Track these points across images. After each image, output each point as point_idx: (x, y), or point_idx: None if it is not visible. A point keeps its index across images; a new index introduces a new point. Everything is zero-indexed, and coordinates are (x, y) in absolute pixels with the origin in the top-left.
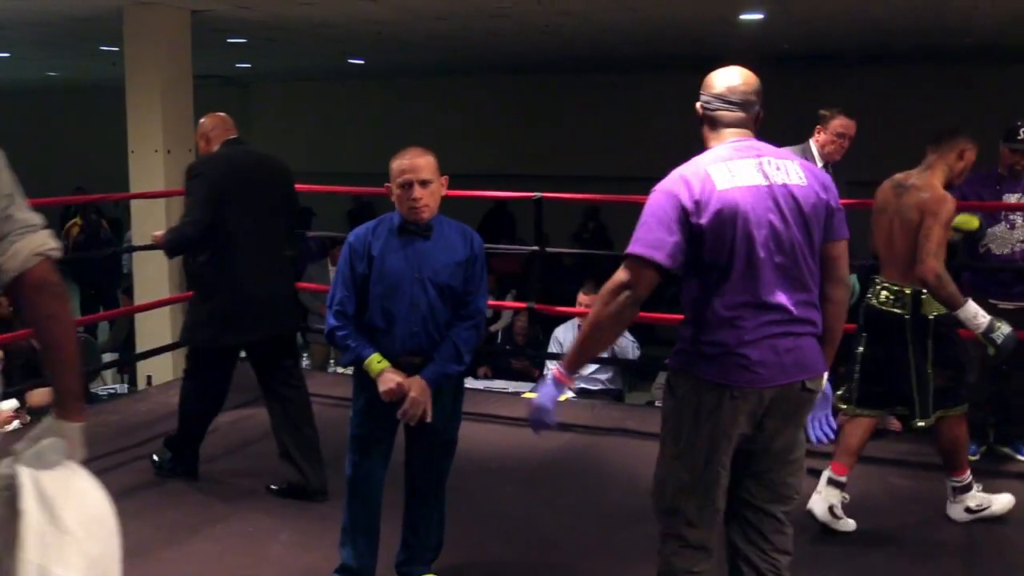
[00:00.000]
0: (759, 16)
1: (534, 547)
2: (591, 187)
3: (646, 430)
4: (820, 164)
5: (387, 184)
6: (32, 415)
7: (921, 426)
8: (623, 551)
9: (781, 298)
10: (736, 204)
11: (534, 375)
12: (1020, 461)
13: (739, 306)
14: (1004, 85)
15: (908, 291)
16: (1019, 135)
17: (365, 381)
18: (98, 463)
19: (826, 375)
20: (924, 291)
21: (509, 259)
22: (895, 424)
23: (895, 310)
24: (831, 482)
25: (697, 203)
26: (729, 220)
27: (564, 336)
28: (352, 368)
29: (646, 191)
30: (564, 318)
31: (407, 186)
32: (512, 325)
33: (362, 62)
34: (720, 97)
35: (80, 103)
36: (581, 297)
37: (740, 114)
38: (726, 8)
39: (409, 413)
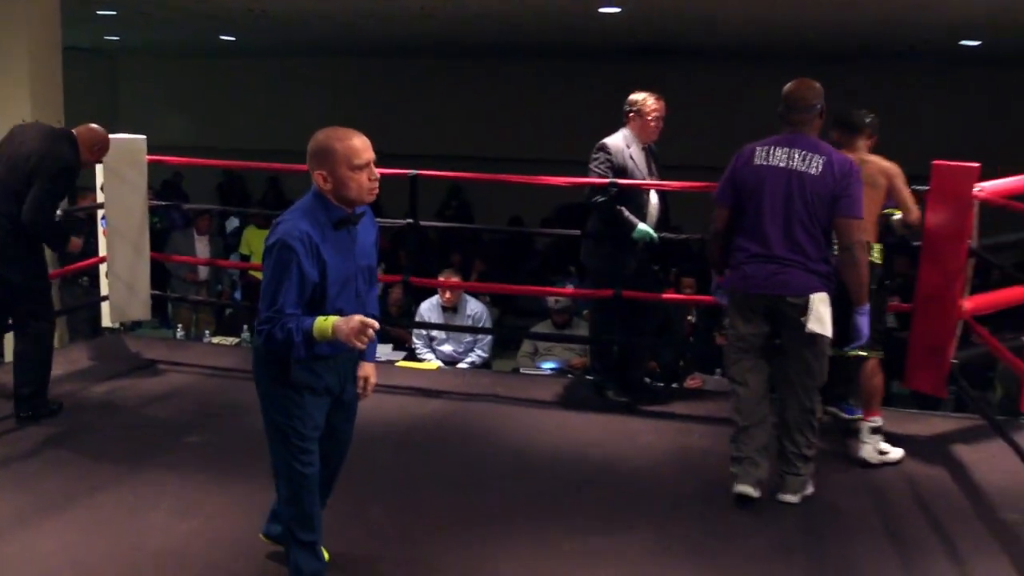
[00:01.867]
0: (617, 10)
1: (403, 508)
2: (454, 166)
3: (512, 395)
4: (639, 147)
5: (318, 171)
6: None
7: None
8: (485, 508)
9: (775, 240)
10: (759, 176)
11: (407, 343)
12: (847, 419)
13: (746, 241)
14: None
15: (878, 246)
16: None
17: (303, 377)
18: None
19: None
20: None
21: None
22: None
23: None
24: (872, 430)
25: (735, 169)
26: (752, 185)
27: (427, 314)
28: (265, 364)
29: (509, 170)
30: (432, 291)
31: (365, 167)
32: (386, 296)
33: (234, 39)
34: (782, 101)
35: None
36: (445, 277)
37: (791, 116)
38: (588, 2)
39: (369, 395)
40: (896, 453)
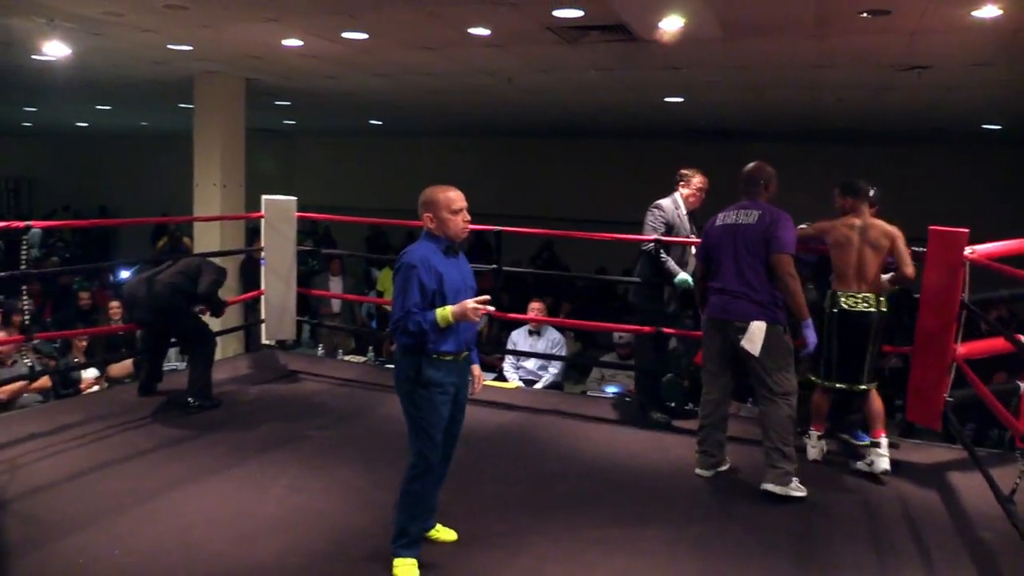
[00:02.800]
0: (680, 99)
1: (469, 494)
2: (549, 224)
3: (573, 411)
4: (684, 211)
5: (426, 214)
6: (110, 383)
7: (863, 389)
8: (529, 499)
9: (729, 279)
10: (714, 233)
11: (497, 367)
12: (857, 444)
13: (712, 281)
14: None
15: (875, 296)
16: None
17: (434, 375)
18: (160, 416)
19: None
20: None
21: (484, 277)
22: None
23: (870, 310)
24: (874, 444)
25: (706, 231)
26: (714, 241)
27: (517, 338)
28: (404, 369)
29: (595, 230)
30: (519, 323)
31: (460, 211)
32: (483, 329)
33: (381, 123)
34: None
35: (165, 147)
36: (531, 304)
37: (745, 188)
38: (657, 94)
39: (478, 390)
40: (882, 463)
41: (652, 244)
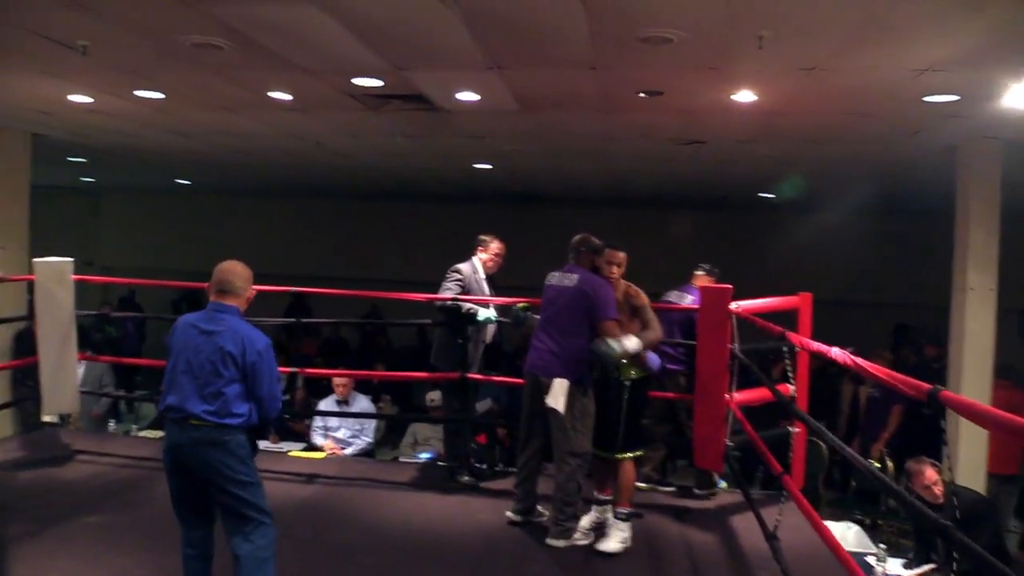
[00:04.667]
0: (489, 166)
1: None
2: (371, 286)
3: (381, 479)
4: (483, 275)
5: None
6: None
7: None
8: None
9: (544, 336)
10: (545, 293)
11: (307, 436)
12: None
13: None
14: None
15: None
16: None
17: None
18: None
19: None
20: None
21: (306, 342)
22: None
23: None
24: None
25: (544, 288)
26: (545, 298)
27: (325, 406)
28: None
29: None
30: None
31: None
32: (293, 397)
33: (188, 182)
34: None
35: None
36: (336, 380)
37: (571, 254)
38: (465, 160)
39: None
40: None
41: (449, 301)
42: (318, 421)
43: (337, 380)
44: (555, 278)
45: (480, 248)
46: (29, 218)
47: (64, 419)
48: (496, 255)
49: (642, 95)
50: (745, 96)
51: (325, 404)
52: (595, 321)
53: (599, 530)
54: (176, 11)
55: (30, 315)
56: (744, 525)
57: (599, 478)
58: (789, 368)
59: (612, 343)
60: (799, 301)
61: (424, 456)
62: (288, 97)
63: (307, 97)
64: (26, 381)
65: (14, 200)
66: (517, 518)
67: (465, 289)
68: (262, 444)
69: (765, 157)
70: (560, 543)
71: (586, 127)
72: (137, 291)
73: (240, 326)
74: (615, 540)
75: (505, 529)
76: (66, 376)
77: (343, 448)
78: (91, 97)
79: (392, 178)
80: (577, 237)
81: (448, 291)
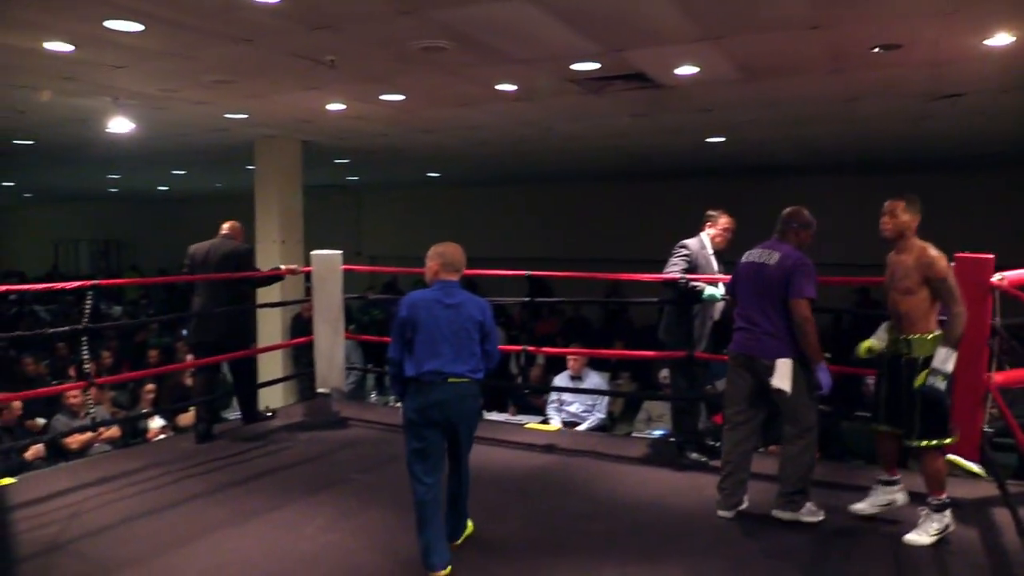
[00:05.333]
0: (721, 139)
1: (494, 534)
2: (610, 268)
3: (611, 453)
4: (711, 251)
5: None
6: (176, 432)
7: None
8: (554, 539)
9: (753, 316)
10: (741, 270)
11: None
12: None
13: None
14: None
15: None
16: None
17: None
18: (217, 464)
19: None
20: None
21: (547, 322)
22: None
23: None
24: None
25: (736, 267)
26: (739, 278)
27: (559, 382)
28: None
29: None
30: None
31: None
32: (528, 374)
33: (438, 175)
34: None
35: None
36: (570, 351)
37: (778, 228)
38: (696, 135)
39: None
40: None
41: (678, 277)
42: (553, 396)
43: (570, 356)
44: (755, 255)
45: (708, 224)
46: (303, 215)
47: (334, 391)
48: (725, 230)
49: (877, 50)
50: (1001, 39)
51: (559, 380)
52: (789, 298)
53: (884, 513)
54: (401, 20)
55: (307, 300)
56: (998, 520)
57: (885, 458)
58: None
59: (939, 381)
60: None
61: (657, 433)
62: (513, 88)
63: (530, 86)
64: (301, 359)
65: (290, 200)
66: (728, 514)
67: (692, 265)
68: (501, 416)
69: None
70: (786, 515)
71: (820, 90)
72: (399, 277)
73: (473, 297)
74: (926, 532)
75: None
76: (336, 355)
77: (577, 423)
78: (344, 104)
79: (625, 158)
80: (788, 210)
81: (674, 267)
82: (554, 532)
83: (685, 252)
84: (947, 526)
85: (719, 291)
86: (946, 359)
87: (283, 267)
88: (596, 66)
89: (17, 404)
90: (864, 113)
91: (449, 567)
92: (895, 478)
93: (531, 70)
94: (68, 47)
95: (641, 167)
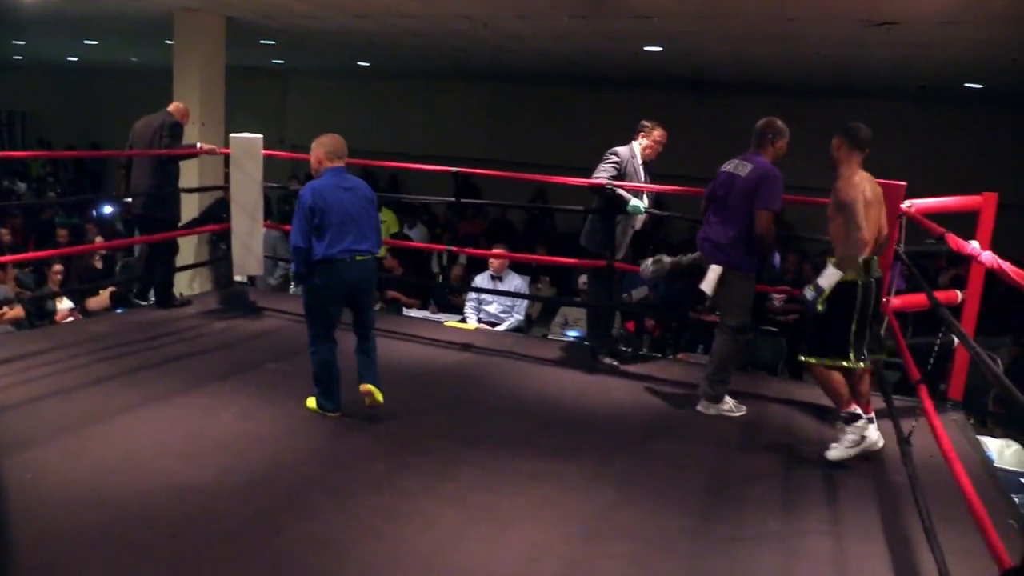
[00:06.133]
0: (658, 48)
1: (406, 426)
2: (538, 172)
3: (526, 353)
4: (640, 160)
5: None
6: (85, 316)
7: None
8: (466, 433)
9: (707, 224)
10: (718, 179)
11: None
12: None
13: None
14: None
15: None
16: None
17: None
18: (129, 348)
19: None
20: None
21: (471, 222)
22: None
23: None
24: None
25: (714, 177)
26: (715, 184)
27: (479, 282)
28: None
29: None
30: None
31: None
32: (449, 272)
33: (368, 64)
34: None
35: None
36: (494, 249)
37: (753, 141)
38: (634, 42)
39: None
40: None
41: (604, 182)
42: (472, 296)
43: (495, 251)
44: (731, 165)
45: (642, 134)
46: (226, 97)
47: (251, 280)
48: (656, 142)
49: None
50: None
51: (480, 279)
52: (754, 208)
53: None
54: None
55: (225, 186)
56: (882, 430)
57: (838, 391)
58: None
59: (809, 291)
60: (982, 201)
61: (572, 335)
62: None
63: None
64: (220, 244)
65: (212, 80)
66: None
67: (621, 173)
68: (421, 313)
69: (971, 41)
70: (710, 410)
71: (761, 7)
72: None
73: (360, 181)
74: (841, 446)
75: (636, 408)
76: (254, 242)
77: (495, 324)
78: None
79: (562, 61)
80: (761, 121)
81: (603, 173)
82: (467, 426)
83: (615, 159)
84: (862, 437)
85: (643, 204)
86: (826, 275)
87: (201, 145)
88: None
89: None
90: (802, 33)
91: (339, 411)
92: (869, 415)
93: None
94: None
95: (577, 72)
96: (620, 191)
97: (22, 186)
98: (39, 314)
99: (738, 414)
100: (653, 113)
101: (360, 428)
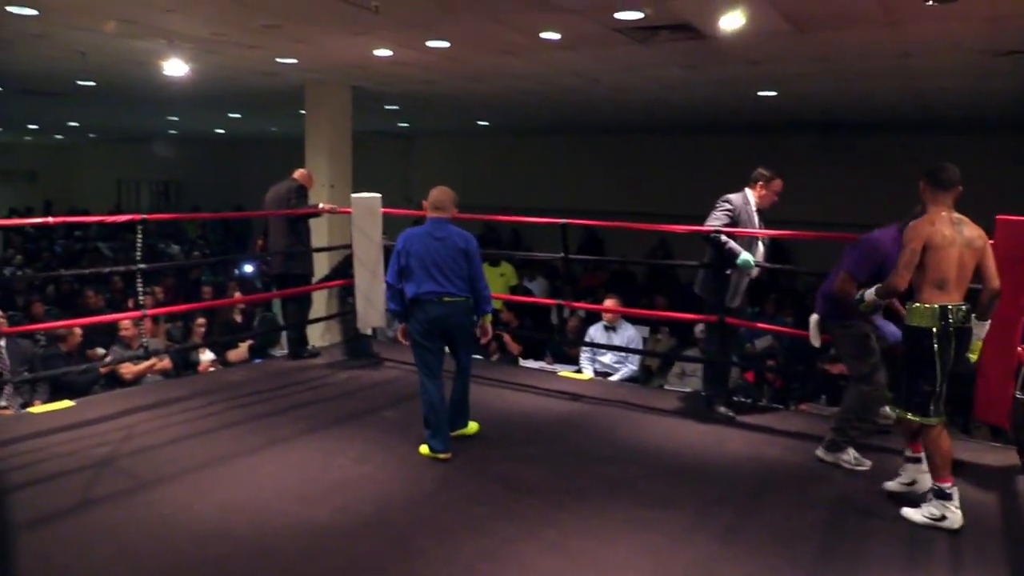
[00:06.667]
0: (772, 93)
1: (513, 474)
2: (662, 220)
3: (639, 403)
4: (754, 208)
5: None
6: (224, 366)
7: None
8: (573, 481)
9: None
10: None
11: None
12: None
13: None
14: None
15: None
16: None
17: None
18: (260, 396)
19: None
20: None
21: (593, 274)
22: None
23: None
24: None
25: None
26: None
27: (593, 333)
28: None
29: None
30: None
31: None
32: (565, 325)
33: (487, 123)
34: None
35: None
36: (606, 301)
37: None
38: (747, 87)
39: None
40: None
41: (712, 229)
42: (587, 347)
43: (607, 302)
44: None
45: (760, 184)
46: (354, 160)
47: (375, 332)
48: (775, 192)
49: (931, 3)
50: None
51: (594, 330)
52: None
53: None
54: None
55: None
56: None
57: (942, 457)
58: None
59: (865, 292)
60: None
61: (687, 388)
62: (557, 36)
63: (575, 35)
64: (348, 299)
65: (340, 144)
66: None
67: (734, 221)
68: (537, 364)
69: None
70: (827, 457)
71: (873, 45)
72: None
73: (459, 231)
74: (920, 512)
75: (749, 459)
76: (375, 296)
77: (609, 374)
78: (390, 50)
79: (674, 111)
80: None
81: (715, 221)
82: (572, 474)
83: (728, 207)
84: (943, 516)
85: (754, 257)
86: (871, 290)
87: (322, 205)
88: (640, 15)
89: (78, 331)
90: (919, 69)
91: (450, 453)
92: (918, 455)
93: (576, 18)
94: None
95: (691, 120)
96: (730, 244)
97: (175, 248)
98: (184, 365)
99: (859, 468)
100: (772, 157)
101: (468, 473)
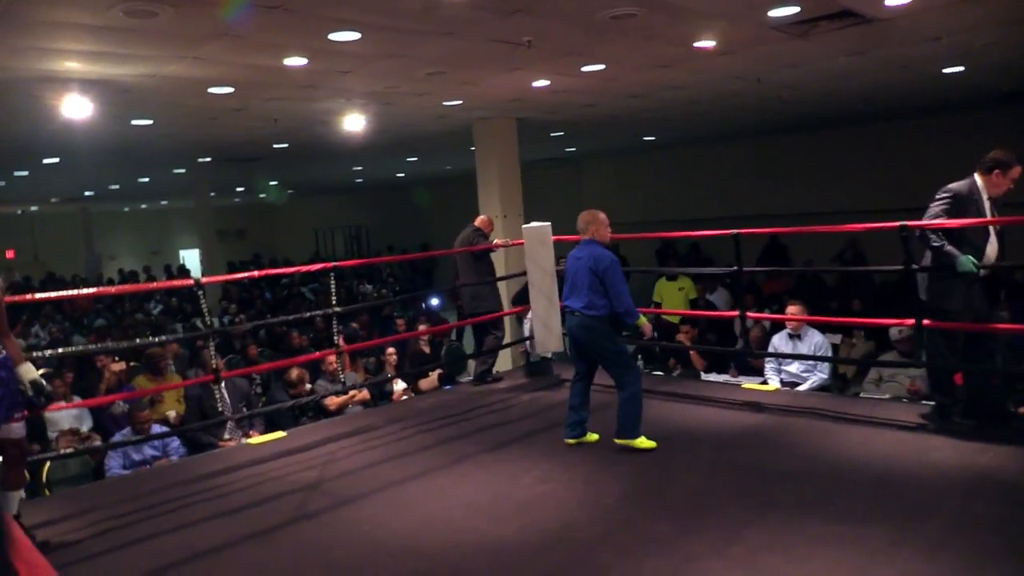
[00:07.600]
0: (960, 68)
1: (697, 488)
2: (848, 218)
3: (833, 411)
4: (984, 196)
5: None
6: (416, 394)
7: None
8: (758, 496)
9: None
10: None
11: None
12: None
13: None
14: None
15: None
16: None
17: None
18: (448, 420)
19: None
20: None
21: (776, 281)
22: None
23: None
24: None
25: None
26: None
27: (777, 342)
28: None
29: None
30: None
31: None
32: (748, 335)
33: (653, 138)
34: None
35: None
36: (788, 308)
37: None
38: (929, 66)
39: None
40: None
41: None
42: (770, 357)
43: (790, 309)
44: None
45: (997, 172)
46: (526, 189)
47: (555, 355)
48: (1013, 180)
49: None
50: None
51: (778, 339)
52: None
53: None
54: None
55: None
56: None
57: None
58: None
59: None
60: None
61: (886, 396)
62: (711, 44)
63: (730, 40)
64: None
65: (510, 176)
66: None
67: (961, 213)
68: (721, 377)
69: None
70: None
71: None
72: (620, 244)
73: (594, 253)
74: None
75: (959, 468)
76: (552, 321)
77: (797, 384)
78: (548, 80)
79: (850, 100)
80: None
81: (930, 216)
82: (758, 488)
83: (947, 197)
84: None
85: (973, 263)
86: None
87: (496, 241)
88: (796, 10)
89: (297, 372)
90: None
91: (574, 439)
92: None
93: (727, 23)
94: (303, 60)
95: (871, 108)
96: (947, 248)
97: (368, 287)
98: (380, 395)
99: None
100: (969, 137)
101: (651, 490)
